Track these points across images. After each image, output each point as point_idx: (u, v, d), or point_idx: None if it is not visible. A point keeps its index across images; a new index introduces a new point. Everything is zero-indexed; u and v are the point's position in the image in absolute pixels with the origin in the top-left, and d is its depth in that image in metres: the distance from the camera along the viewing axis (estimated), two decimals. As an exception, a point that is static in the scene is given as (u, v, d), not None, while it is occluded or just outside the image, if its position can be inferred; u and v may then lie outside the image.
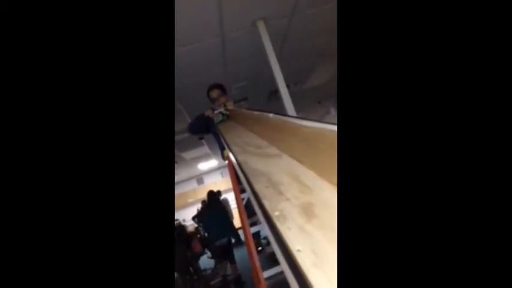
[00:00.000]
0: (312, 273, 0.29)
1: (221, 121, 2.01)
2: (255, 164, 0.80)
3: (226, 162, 2.18)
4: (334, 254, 0.32)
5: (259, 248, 4.66)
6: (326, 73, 4.19)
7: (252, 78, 3.56)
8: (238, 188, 2.13)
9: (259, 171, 0.72)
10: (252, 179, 0.64)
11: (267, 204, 0.49)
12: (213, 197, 4.63)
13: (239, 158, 0.89)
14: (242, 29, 2.58)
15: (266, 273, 1.87)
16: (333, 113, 5.65)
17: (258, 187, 0.60)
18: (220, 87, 2.36)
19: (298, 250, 0.33)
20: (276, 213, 0.44)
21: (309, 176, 0.59)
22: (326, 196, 0.47)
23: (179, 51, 2.53)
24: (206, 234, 4.93)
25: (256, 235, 4.31)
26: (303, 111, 5.98)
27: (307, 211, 0.43)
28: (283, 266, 0.34)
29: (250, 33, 2.61)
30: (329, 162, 0.52)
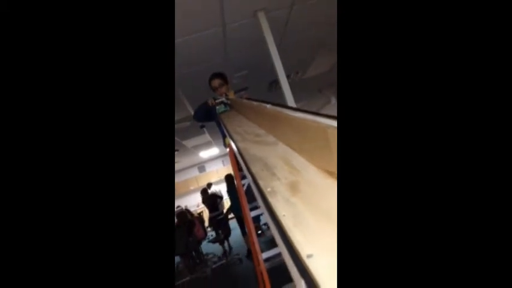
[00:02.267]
0: (292, 231, 0.38)
1: (223, 111, 2.07)
2: (253, 150, 0.89)
3: (228, 149, 2.28)
4: (311, 218, 0.41)
5: (259, 232, 4.90)
6: (326, 63, 4.23)
7: (253, 67, 3.61)
8: (240, 175, 2.23)
9: (257, 156, 0.81)
10: (250, 164, 0.74)
11: (261, 183, 0.58)
12: (231, 180, 5.34)
13: (239, 145, 0.98)
14: (243, 19, 2.62)
15: (265, 255, 1.99)
16: (333, 101, 5.70)
17: (255, 170, 0.69)
18: (221, 76, 2.43)
19: (284, 215, 0.42)
20: (268, 189, 0.53)
21: (299, 161, 0.68)
22: (311, 177, 0.56)
23: (180, 40, 2.59)
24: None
25: (256, 219, 4.50)
26: (304, 100, 6.04)
27: (293, 188, 0.52)
28: (272, 229, 0.43)
29: (250, 23, 2.65)
30: (316, 149, 0.60)
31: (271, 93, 4.52)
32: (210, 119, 2.44)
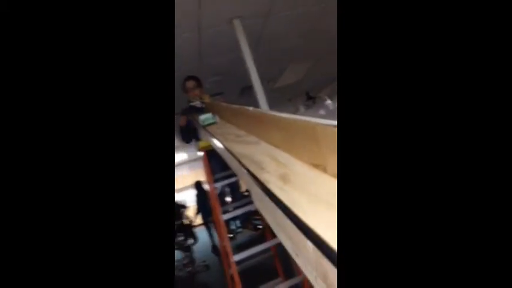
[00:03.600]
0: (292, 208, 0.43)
1: (210, 123, 1.83)
2: (237, 149, 0.94)
3: (200, 153, 2.29)
4: (305, 202, 0.46)
5: (231, 236, 4.91)
6: (297, 73, 4.40)
7: (227, 73, 3.66)
8: (212, 179, 2.25)
9: (242, 154, 0.86)
10: (239, 158, 0.78)
11: (253, 171, 0.63)
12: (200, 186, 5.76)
13: (224, 144, 1.02)
14: (219, 26, 2.68)
15: (237, 257, 2.02)
16: (302, 110, 5.92)
17: (242, 164, 0.74)
18: (196, 78, 2.45)
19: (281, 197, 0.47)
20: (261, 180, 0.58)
21: (284, 156, 0.74)
22: (298, 169, 0.62)
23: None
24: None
25: (227, 223, 4.53)
26: (273, 109, 6.18)
27: (284, 178, 0.58)
28: (270, 208, 0.48)
29: (226, 30, 2.71)
30: (302, 146, 0.66)
31: (243, 98, 4.59)
32: (194, 132, 2.33)
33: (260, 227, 2.38)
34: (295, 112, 6.09)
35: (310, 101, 5.82)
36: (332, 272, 0.30)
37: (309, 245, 0.32)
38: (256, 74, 2.55)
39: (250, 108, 1.09)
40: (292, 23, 2.95)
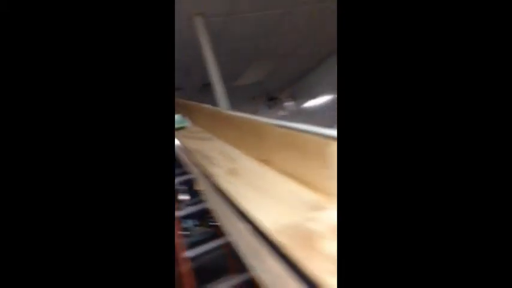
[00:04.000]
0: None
1: (181, 127, 1.73)
2: (190, 144, 0.95)
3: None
4: (251, 193, 0.50)
5: (186, 233, 4.83)
6: (257, 73, 4.47)
7: (187, 69, 3.61)
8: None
9: (195, 149, 0.87)
10: (190, 153, 0.80)
11: (203, 166, 0.65)
12: None
13: (179, 139, 1.03)
14: (180, 22, 2.64)
15: (190, 253, 2.00)
16: (263, 110, 6.02)
17: (195, 159, 0.76)
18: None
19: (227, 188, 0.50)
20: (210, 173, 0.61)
21: (235, 152, 0.77)
22: (246, 164, 0.66)
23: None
24: None
25: (181, 220, 4.47)
26: (236, 106, 6.21)
27: (232, 172, 0.61)
28: (216, 202, 0.51)
29: (187, 27, 2.68)
30: (251, 143, 0.70)
31: (203, 95, 4.56)
32: None
33: (213, 224, 2.37)
34: (256, 112, 6.17)
35: (272, 101, 5.94)
36: (263, 249, 0.34)
37: (245, 226, 0.35)
38: (217, 72, 2.56)
39: (207, 106, 1.10)
40: (253, 23, 3.00)
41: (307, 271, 0.35)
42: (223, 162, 0.70)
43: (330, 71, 4.55)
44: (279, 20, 3.08)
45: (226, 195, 0.51)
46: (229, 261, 2.41)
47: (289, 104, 6.21)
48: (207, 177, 0.59)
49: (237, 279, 2.10)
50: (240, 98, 5.50)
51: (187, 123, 1.71)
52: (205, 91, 4.38)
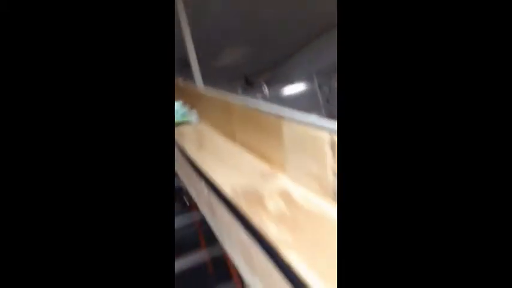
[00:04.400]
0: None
1: (182, 121, 1.58)
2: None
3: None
4: (212, 161, 0.57)
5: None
6: (234, 56, 4.48)
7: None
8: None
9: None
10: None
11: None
12: None
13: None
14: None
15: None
16: (240, 92, 6.05)
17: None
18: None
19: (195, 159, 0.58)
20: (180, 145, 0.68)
21: (204, 128, 0.84)
22: (214, 139, 0.73)
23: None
24: None
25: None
26: (215, 87, 6.18)
27: (201, 145, 0.68)
28: (187, 167, 0.58)
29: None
30: (219, 119, 0.77)
31: (183, 73, 4.51)
32: None
33: (188, 204, 2.43)
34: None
35: (249, 85, 5.96)
36: (219, 208, 0.42)
37: (205, 188, 0.43)
38: (193, 51, 2.57)
39: (181, 81, 1.15)
40: (233, 3, 2.99)
41: (252, 222, 0.43)
42: (193, 136, 0.77)
43: (308, 58, 4.64)
44: (254, 2, 3.08)
45: (195, 165, 0.58)
46: (200, 237, 2.50)
47: (265, 89, 6.26)
48: (181, 152, 0.66)
49: (205, 253, 2.21)
50: (219, 81, 5.49)
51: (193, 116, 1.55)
52: (184, 69, 4.33)
